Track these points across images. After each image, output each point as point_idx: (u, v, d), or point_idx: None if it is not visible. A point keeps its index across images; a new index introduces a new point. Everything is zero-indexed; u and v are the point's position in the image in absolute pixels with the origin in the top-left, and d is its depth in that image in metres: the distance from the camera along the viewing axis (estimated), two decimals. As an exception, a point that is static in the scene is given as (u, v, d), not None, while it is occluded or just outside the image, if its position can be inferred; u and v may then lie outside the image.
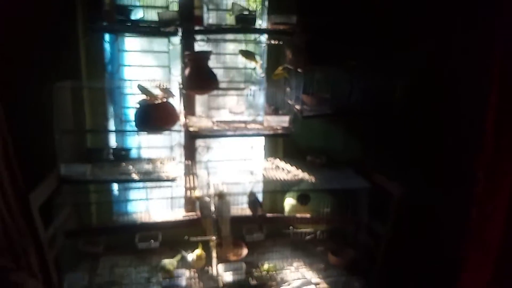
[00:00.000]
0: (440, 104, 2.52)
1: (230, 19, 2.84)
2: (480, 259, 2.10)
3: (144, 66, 2.79)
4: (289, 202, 2.77)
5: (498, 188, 1.93)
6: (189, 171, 2.70)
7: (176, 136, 2.85)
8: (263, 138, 2.98)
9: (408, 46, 2.59)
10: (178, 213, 2.88)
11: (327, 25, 2.48)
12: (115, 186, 2.83)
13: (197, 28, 2.41)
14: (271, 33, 2.60)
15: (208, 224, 2.54)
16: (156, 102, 2.45)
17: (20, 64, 2.35)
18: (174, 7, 2.63)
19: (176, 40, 2.66)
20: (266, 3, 2.77)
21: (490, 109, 1.94)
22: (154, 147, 2.89)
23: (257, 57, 2.76)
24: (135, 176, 2.41)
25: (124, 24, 2.33)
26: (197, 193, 2.57)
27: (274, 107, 2.67)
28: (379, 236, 2.54)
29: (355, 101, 2.50)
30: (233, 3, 2.47)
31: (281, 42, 2.69)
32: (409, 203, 2.53)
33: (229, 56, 2.93)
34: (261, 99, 2.88)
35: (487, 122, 1.96)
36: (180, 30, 2.34)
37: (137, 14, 2.53)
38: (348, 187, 2.50)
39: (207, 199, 2.54)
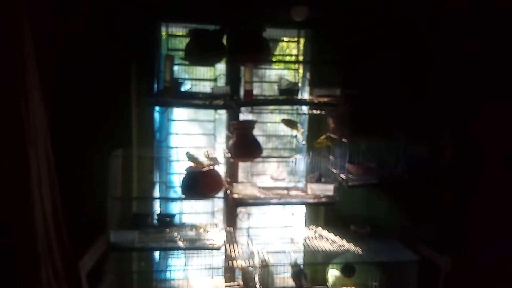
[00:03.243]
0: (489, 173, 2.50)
1: (271, 90, 2.98)
2: None
3: (190, 134, 2.89)
4: (332, 273, 2.69)
5: None
6: (231, 238, 2.68)
7: (218, 202, 2.88)
8: (306, 206, 2.97)
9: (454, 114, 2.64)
10: (218, 282, 2.82)
11: (372, 97, 2.56)
12: (157, 254, 2.82)
13: (247, 100, 2.50)
14: (314, 104, 2.68)
15: (251, 295, 2.47)
16: (203, 169, 2.51)
17: (78, 132, 2.48)
18: (222, 79, 2.79)
19: (223, 110, 2.78)
20: (309, 75, 2.89)
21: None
22: (197, 212, 2.91)
23: (299, 126, 2.84)
24: (180, 244, 2.41)
25: (179, 97, 2.45)
26: (239, 262, 2.53)
27: (318, 175, 2.69)
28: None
29: (401, 170, 2.50)
30: (280, 77, 2.59)
31: (323, 112, 2.77)
32: (459, 278, 2.43)
33: (271, 124, 3.02)
34: (301, 166, 2.91)
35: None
36: (232, 103, 2.44)
37: (186, 87, 2.68)
38: (396, 260, 2.43)
39: (250, 269, 2.50)
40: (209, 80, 2.82)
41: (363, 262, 2.49)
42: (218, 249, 2.39)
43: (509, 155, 2.52)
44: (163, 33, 2.75)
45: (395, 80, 2.70)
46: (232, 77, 2.74)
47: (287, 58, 3.15)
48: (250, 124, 2.63)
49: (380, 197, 2.81)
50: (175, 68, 2.76)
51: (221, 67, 2.81)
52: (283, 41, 3.08)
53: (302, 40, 2.96)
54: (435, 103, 2.68)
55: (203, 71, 2.86)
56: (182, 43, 2.78)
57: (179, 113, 2.91)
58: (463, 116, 2.67)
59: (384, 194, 2.80)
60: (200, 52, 2.55)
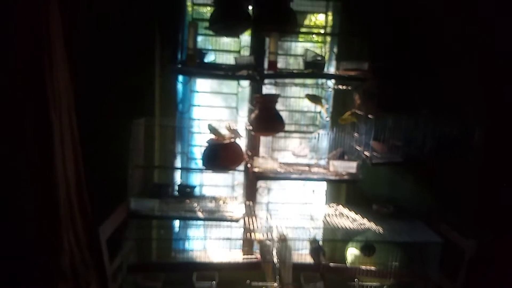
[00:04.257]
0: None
1: (296, 64, 2.91)
2: None
3: (213, 107, 2.86)
4: (352, 252, 2.65)
5: None
6: (250, 212, 2.68)
7: (238, 176, 2.87)
8: (325, 183, 2.92)
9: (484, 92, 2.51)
10: (236, 255, 2.84)
11: (400, 72, 2.46)
12: (176, 223, 2.85)
13: (271, 72, 2.44)
14: (341, 78, 2.60)
15: (268, 269, 2.46)
16: (224, 142, 2.49)
17: (101, 100, 2.49)
18: (246, 51, 2.73)
19: (246, 82, 2.73)
20: (336, 49, 2.80)
21: None
22: (217, 185, 2.91)
23: (323, 101, 2.77)
24: (200, 214, 2.41)
25: (202, 67, 2.41)
26: (258, 235, 2.52)
27: (341, 152, 2.63)
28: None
29: (428, 150, 2.41)
30: (306, 49, 2.51)
31: (349, 88, 2.68)
32: (482, 261, 2.36)
33: (295, 99, 2.95)
34: (324, 143, 2.85)
35: None
36: (255, 74, 2.38)
37: (209, 58, 2.64)
38: (418, 241, 2.37)
39: (268, 242, 2.49)
40: (234, 51, 2.77)
41: (383, 241, 2.44)
42: (236, 221, 2.39)
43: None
44: (188, 1, 2.69)
45: (425, 55, 2.57)
46: (257, 49, 2.67)
47: (315, 31, 3.04)
48: (273, 98, 2.58)
49: (405, 177, 2.72)
50: (200, 38, 2.73)
51: (246, 39, 2.76)
52: (311, 12, 2.98)
53: (330, 13, 2.86)
54: (466, 80, 2.55)
55: (227, 42, 2.81)
56: (207, 12, 2.73)
57: (202, 85, 2.88)
58: (494, 93, 2.54)
59: (409, 173, 2.71)
60: (225, 21, 2.50)
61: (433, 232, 2.43)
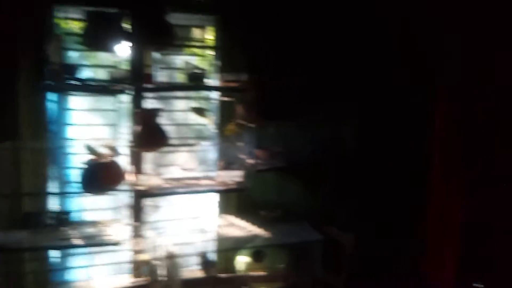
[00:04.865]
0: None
1: (179, 77, 2.88)
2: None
3: (90, 125, 2.69)
4: (243, 260, 2.67)
5: (449, 230, 1.99)
6: (136, 233, 2.55)
7: (122, 197, 2.73)
8: (216, 194, 2.91)
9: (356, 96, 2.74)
10: (125, 280, 2.67)
11: (277, 82, 2.58)
12: (55, 254, 2.59)
13: (148, 86, 2.38)
14: (222, 90, 2.64)
15: (158, 290, 2.36)
16: (103, 161, 2.36)
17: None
18: (123, 66, 2.63)
19: (125, 98, 2.63)
20: (217, 61, 2.84)
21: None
22: (99, 209, 2.72)
23: (209, 113, 2.78)
24: (76, 241, 2.23)
25: (73, 83, 2.27)
26: (144, 256, 2.42)
27: (227, 162, 2.65)
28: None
29: (307, 154, 2.54)
30: (186, 62, 2.51)
31: (232, 99, 2.73)
32: (363, 254, 2.54)
33: (180, 112, 2.92)
34: (212, 154, 2.86)
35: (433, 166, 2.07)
36: (132, 88, 2.31)
37: (84, 73, 2.50)
38: (301, 241, 2.47)
39: (155, 262, 2.40)
40: (111, 66, 2.65)
41: (271, 245, 2.50)
42: (118, 244, 2.26)
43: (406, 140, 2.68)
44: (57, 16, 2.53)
45: (301, 66, 2.73)
46: (135, 63, 2.59)
47: (195, 44, 3.06)
48: (154, 112, 2.51)
49: (289, 181, 2.84)
50: (75, 54, 2.56)
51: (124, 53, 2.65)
52: (193, 26, 2.99)
53: (210, 26, 2.90)
54: (338, 87, 2.77)
55: (107, 57, 2.68)
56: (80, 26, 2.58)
57: (77, 102, 2.69)
58: (363, 101, 2.79)
59: (292, 177, 2.83)
60: (98, 36, 2.38)
61: (317, 232, 2.56)
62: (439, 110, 2.33)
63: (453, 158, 2.21)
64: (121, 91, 2.32)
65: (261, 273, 2.56)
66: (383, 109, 2.85)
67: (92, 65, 2.63)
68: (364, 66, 2.79)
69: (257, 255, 2.54)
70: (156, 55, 2.58)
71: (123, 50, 2.55)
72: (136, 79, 2.44)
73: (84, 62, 2.68)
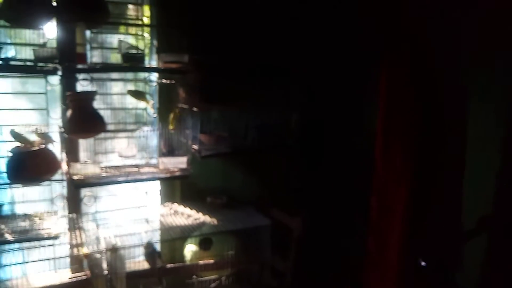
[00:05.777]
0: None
1: (116, 59, 2.69)
2: (380, 280, 2.21)
3: (17, 110, 2.44)
4: (190, 248, 2.60)
5: (391, 212, 2.05)
6: (74, 225, 2.39)
7: (57, 187, 2.53)
8: (159, 182, 2.79)
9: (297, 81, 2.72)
10: (64, 275, 2.50)
11: (219, 64, 2.49)
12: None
13: (79, 66, 2.19)
14: (161, 71, 2.50)
15: (100, 284, 2.23)
16: (33, 149, 2.16)
17: None
18: (52, 44, 2.40)
19: (55, 80, 2.41)
20: (156, 41, 2.68)
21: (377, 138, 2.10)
22: (32, 201, 2.50)
23: (148, 97, 2.63)
24: (7, 237, 2.04)
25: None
26: (84, 250, 2.27)
27: (170, 148, 2.54)
28: (283, 275, 2.51)
29: (251, 139, 2.50)
30: (119, 40, 2.33)
31: (173, 81, 2.60)
32: (310, 237, 2.58)
33: (117, 96, 2.73)
34: (154, 140, 2.72)
35: (376, 148, 2.12)
36: (62, 69, 2.11)
37: (8, 53, 2.25)
38: (248, 226, 2.45)
39: (97, 255, 2.26)
40: (38, 45, 2.40)
41: (218, 232, 2.45)
42: (54, 238, 2.11)
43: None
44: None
45: (244, 46, 2.65)
46: (64, 41, 2.37)
47: (131, 22, 2.86)
48: (89, 96, 2.33)
49: (234, 166, 2.80)
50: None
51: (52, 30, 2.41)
52: (128, 3, 2.79)
53: (146, 4, 2.72)
54: (283, 70, 2.74)
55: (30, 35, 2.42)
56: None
57: (1, 85, 2.43)
58: (309, 84, 2.79)
59: (238, 163, 2.79)
60: (22, 11, 2.14)
61: (263, 216, 2.55)
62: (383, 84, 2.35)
63: (394, 135, 2.25)
64: (51, 72, 2.10)
65: (209, 261, 2.51)
66: (328, 92, 2.87)
67: (17, 43, 2.36)
68: (308, 45, 2.78)
69: (204, 243, 2.49)
70: (88, 33, 2.37)
71: (51, 27, 2.33)
72: (67, 59, 2.24)
73: (8, 40, 2.41)
